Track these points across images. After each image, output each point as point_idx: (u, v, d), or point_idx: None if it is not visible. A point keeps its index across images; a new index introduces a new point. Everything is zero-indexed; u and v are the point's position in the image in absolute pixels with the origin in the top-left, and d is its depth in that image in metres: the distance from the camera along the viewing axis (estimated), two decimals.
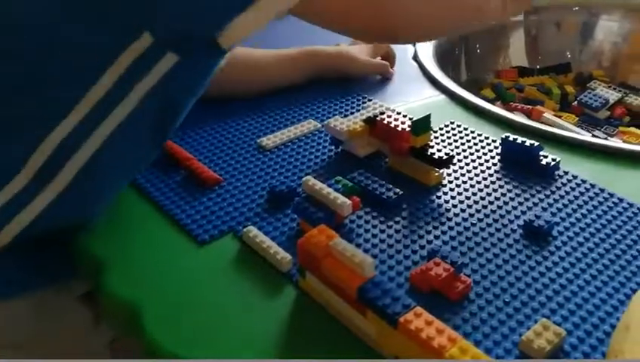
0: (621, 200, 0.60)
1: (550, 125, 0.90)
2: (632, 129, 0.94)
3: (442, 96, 0.81)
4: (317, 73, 0.83)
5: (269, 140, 0.70)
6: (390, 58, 0.90)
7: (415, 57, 0.91)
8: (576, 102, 1.00)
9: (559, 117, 0.96)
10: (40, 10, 0.51)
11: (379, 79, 0.86)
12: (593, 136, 0.92)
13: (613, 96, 0.99)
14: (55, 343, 0.61)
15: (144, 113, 0.55)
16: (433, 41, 0.96)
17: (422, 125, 0.61)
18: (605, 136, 0.93)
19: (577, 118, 0.97)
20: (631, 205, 0.60)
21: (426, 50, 0.92)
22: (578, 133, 0.89)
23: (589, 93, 0.99)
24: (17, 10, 0.51)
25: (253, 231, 0.56)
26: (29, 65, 0.52)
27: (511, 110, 0.99)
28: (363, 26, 0.58)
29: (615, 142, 0.74)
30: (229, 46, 0.53)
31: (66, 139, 0.53)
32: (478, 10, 0.62)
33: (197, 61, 0.58)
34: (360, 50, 0.87)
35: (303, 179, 0.57)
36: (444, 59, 0.96)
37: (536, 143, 0.64)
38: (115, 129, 0.54)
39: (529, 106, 0.98)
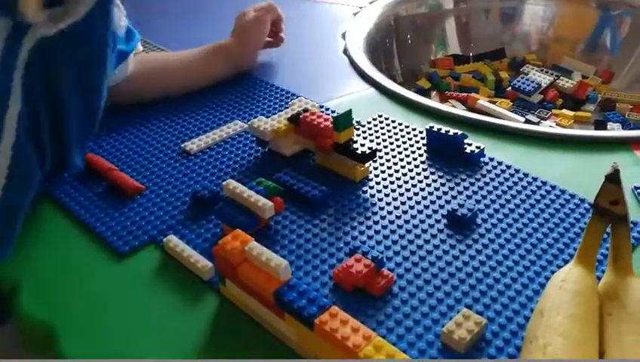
0: (544, 183, 0.61)
1: (484, 112, 0.91)
2: (564, 111, 0.96)
3: (372, 90, 0.81)
4: (233, 61, 0.82)
5: (193, 144, 0.69)
6: (278, 22, 0.87)
7: (345, 51, 0.91)
8: (510, 88, 1.01)
9: (494, 103, 0.97)
10: None
11: (307, 73, 0.85)
12: (527, 120, 0.93)
13: (545, 80, 1.00)
14: None
15: (31, 109, 0.53)
16: (364, 35, 0.96)
17: (344, 121, 0.60)
18: (539, 119, 0.94)
19: (511, 103, 0.99)
20: (553, 188, 0.60)
21: (356, 43, 0.92)
22: (512, 118, 0.90)
23: (522, 77, 1.01)
24: None
25: (173, 240, 0.55)
26: None
27: (446, 99, 1.00)
28: None
29: (538, 127, 0.75)
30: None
31: None
32: None
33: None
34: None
35: (224, 182, 0.56)
36: (376, 51, 0.96)
37: (460, 132, 0.64)
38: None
39: (464, 94, 0.99)
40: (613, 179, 0.42)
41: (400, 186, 0.61)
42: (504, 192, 0.60)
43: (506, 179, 0.62)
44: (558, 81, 1.01)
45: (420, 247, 0.54)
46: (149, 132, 0.73)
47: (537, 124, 0.92)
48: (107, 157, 0.67)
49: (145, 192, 0.62)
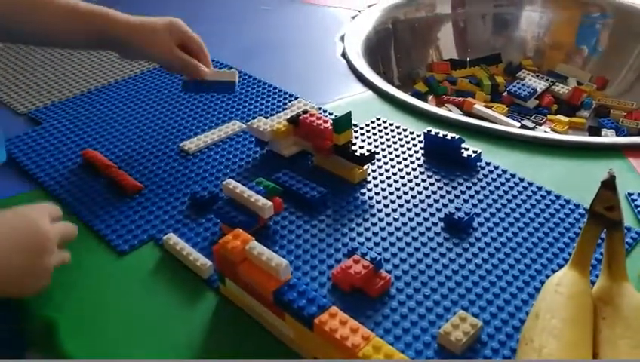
0: (539, 188, 0.62)
1: (480, 116, 0.92)
2: (559, 117, 0.97)
3: (369, 93, 0.81)
4: (105, 41, 0.66)
5: (191, 144, 0.69)
6: (203, 54, 0.69)
7: (344, 54, 0.91)
8: (506, 93, 1.02)
9: (490, 107, 0.98)
10: None
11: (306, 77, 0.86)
12: (522, 125, 0.94)
13: (540, 85, 1.01)
14: None
15: None
16: (362, 38, 0.96)
17: (343, 123, 0.61)
18: (534, 124, 0.96)
19: (507, 108, 1.00)
20: (548, 193, 0.61)
21: (354, 47, 0.92)
22: (508, 123, 0.91)
23: (518, 83, 1.02)
24: None
25: (173, 238, 0.55)
26: None
27: (443, 103, 1.01)
28: None
29: (534, 133, 0.76)
30: None
31: None
32: None
33: None
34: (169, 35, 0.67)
35: (223, 182, 0.57)
36: (374, 55, 0.97)
37: (457, 136, 0.65)
38: None
39: (461, 98, 1.00)
40: (609, 185, 0.43)
41: (398, 189, 0.62)
42: (500, 197, 0.61)
43: (502, 184, 0.62)
44: (553, 86, 1.02)
45: (417, 250, 0.54)
46: (147, 129, 0.73)
47: (533, 129, 0.93)
48: (109, 156, 0.67)
49: (144, 191, 0.62)
